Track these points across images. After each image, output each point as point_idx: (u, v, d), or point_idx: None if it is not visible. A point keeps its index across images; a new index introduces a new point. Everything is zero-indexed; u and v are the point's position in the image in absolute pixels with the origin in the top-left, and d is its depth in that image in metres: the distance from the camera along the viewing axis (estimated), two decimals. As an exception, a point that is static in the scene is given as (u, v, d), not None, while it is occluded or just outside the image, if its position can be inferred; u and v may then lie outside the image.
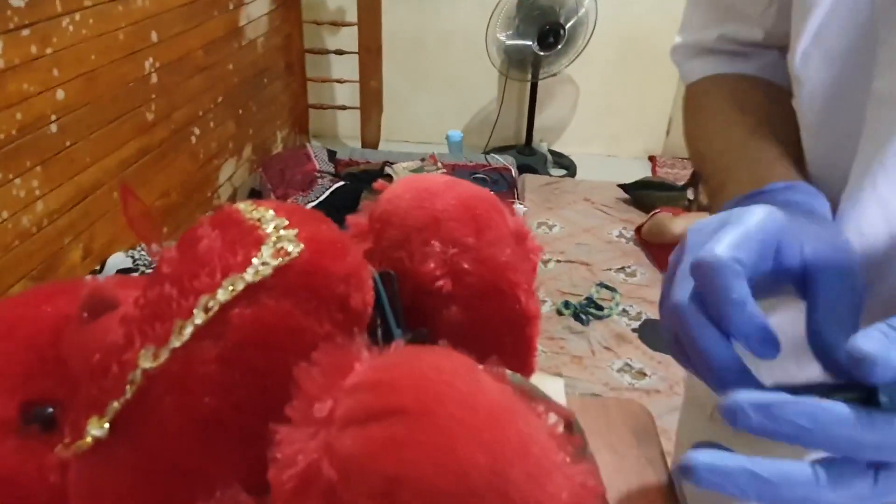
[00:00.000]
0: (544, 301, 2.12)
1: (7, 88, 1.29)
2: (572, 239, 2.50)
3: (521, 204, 2.77)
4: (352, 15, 2.66)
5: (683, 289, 0.33)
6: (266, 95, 2.55)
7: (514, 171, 2.81)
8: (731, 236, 0.32)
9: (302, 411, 0.20)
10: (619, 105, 3.17)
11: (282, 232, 0.25)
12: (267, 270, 0.24)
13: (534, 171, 3.02)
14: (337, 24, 2.79)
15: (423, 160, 2.77)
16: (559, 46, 2.76)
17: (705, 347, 0.31)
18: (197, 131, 2.04)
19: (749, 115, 0.50)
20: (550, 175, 3.05)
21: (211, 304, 0.23)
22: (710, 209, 0.46)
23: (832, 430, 0.26)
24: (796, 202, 0.40)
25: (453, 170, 2.78)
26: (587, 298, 2.12)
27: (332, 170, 2.56)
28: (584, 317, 2.05)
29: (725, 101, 0.52)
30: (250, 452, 0.22)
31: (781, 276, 0.34)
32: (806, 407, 0.26)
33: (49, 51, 1.39)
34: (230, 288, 0.24)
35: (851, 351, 0.26)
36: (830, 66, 0.42)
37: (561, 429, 0.24)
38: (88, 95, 1.52)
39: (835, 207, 0.41)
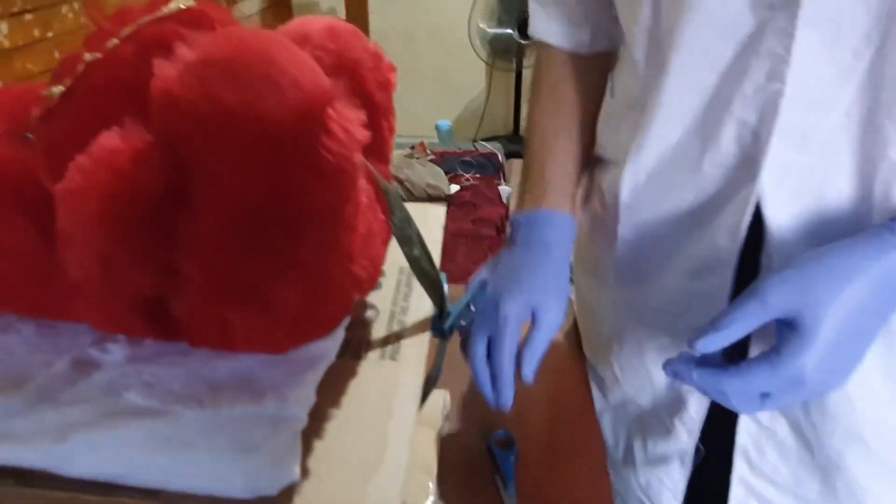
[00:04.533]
0: (525, 267, 2.22)
1: (13, 67, 1.43)
2: (556, 214, 2.60)
3: (506, 185, 2.89)
4: (341, 13, 2.80)
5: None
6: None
7: (500, 157, 2.92)
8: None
9: (178, 55, 0.33)
10: (602, 91, 3.28)
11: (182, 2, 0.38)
12: (168, 12, 0.37)
13: (521, 156, 3.14)
14: (327, 23, 2.94)
15: (412, 148, 2.89)
16: (539, 34, 2.88)
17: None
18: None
19: (561, 115, 0.69)
20: (538, 160, 3.17)
21: (129, 29, 0.37)
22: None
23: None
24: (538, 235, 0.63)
25: (442, 157, 2.90)
26: (567, 264, 2.22)
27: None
28: (563, 280, 2.15)
29: (552, 88, 0.69)
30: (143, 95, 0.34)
31: None
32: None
33: (50, 34, 1.53)
34: (143, 20, 0.37)
35: None
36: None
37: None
38: (88, 77, 1.67)
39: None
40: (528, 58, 3.02)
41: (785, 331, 0.44)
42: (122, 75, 0.36)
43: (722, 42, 0.50)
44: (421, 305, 0.52)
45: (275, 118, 0.31)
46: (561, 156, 0.68)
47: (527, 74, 3.14)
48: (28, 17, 1.46)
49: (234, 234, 0.34)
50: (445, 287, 0.51)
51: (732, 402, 0.46)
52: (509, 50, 3.00)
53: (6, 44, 1.41)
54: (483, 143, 2.98)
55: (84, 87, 0.37)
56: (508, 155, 3.02)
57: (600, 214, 0.69)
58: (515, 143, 3.22)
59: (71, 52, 0.40)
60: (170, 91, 0.32)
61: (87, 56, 0.38)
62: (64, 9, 1.57)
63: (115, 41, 0.38)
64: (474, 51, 3.01)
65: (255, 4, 2.59)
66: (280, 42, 0.35)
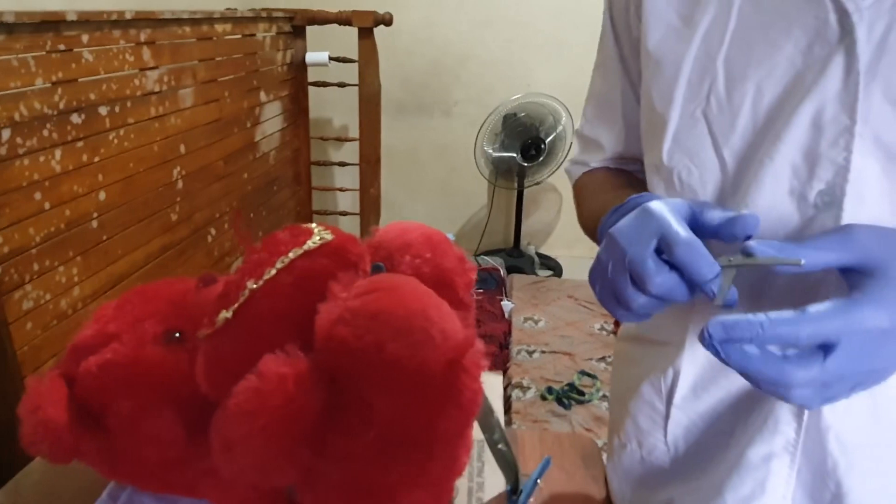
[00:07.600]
0: (528, 388, 2.27)
1: (61, 189, 1.52)
2: (556, 332, 2.68)
3: (508, 301, 2.97)
4: (354, 132, 2.97)
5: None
6: (275, 202, 2.81)
7: (502, 272, 3.02)
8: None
9: (333, 297, 0.40)
10: (599, 211, 3.44)
11: (322, 232, 0.46)
12: (314, 245, 0.44)
13: (522, 271, 3.24)
14: (341, 140, 3.10)
15: (417, 260, 2.99)
16: (541, 158, 3.06)
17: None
18: (213, 231, 2.27)
19: (610, 187, 0.77)
20: (537, 275, 3.27)
21: (285, 259, 0.43)
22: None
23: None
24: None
25: (446, 270, 2.99)
26: (569, 384, 2.27)
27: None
28: (566, 401, 2.19)
29: (595, 182, 0.80)
30: (304, 328, 0.40)
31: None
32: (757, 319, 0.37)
33: (97, 159, 1.63)
34: (294, 253, 0.43)
35: None
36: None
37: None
38: (125, 197, 1.76)
39: None
40: (529, 178, 3.19)
41: (858, 279, 0.39)
42: (283, 307, 0.43)
43: (770, 235, 0.55)
44: (494, 480, 0.58)
45: (430, 364, 0.38)
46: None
47: (528, 193, 3.30)
48: (80, 144, 1.57)
49: (379, 451, 0.41)
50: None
51: (788, 383, 0.37)
52: (511, 170, 3.17)
53: (57, 169, 1.51)
54: (485, 257, 3.09)
55: (248, 314, 0.44)
56: (510, 270, 3.13)
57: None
58: (516, 257, 3.34)
59: (229, 278, 0.47)
60: (336, 334, 0.39)
61: (250, 284, 0.45)
62: (111, 135, 1.68)
63: (271, 271, 0.45)
64: (478, 170, 3.17)
65: (277, 123, 2.74)
66: (429, 296, 0.42)
